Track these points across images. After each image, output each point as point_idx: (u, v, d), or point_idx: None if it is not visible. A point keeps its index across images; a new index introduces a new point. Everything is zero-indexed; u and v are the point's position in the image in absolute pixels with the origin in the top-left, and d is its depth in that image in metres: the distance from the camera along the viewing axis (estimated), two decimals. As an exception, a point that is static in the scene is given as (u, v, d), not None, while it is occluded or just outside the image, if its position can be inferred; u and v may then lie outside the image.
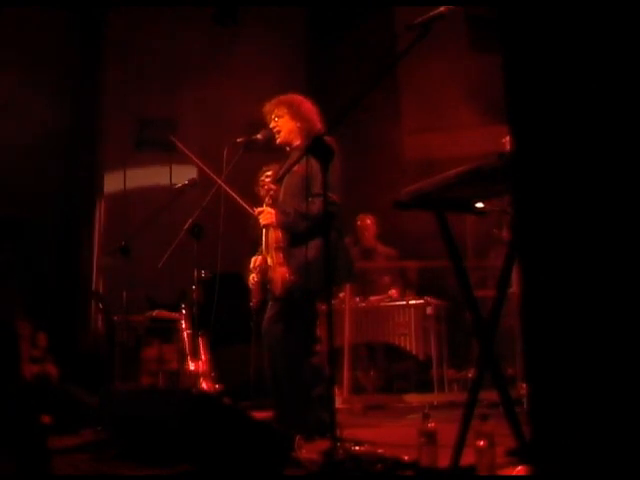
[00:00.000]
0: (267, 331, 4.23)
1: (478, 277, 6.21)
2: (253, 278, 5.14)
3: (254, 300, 5.35)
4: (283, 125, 4.28)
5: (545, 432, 1.30)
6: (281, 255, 4.24)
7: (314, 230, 4.03)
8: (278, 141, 4.34)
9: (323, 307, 4.01)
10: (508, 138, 2.59)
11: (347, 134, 4.77)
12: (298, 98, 4.38)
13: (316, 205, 4.01)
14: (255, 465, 3.23)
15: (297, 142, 4.29)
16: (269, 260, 4.27)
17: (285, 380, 4.14)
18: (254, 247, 5.26)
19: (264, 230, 4.39)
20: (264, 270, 4.31)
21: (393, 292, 6.74)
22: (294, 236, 4.23)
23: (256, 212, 4.39)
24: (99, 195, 8.26)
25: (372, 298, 6.61)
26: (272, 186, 4.48)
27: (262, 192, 4.84)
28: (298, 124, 4.26)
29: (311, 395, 4.09)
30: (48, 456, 3.24)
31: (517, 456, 2.68)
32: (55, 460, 3.83)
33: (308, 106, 4.33)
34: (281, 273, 4.18)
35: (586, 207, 1.25)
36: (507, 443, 2.80)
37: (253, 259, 5.19)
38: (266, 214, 4.28)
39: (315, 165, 3.77)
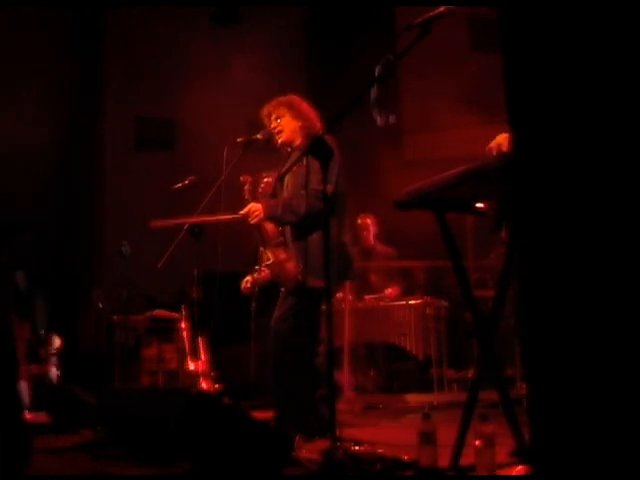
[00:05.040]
0: (275, 330, 4.20)
1: (478, 277, 6.21)
2: (247, 282, 5.10)
3: (254, 304, 5.30)
4: (285, 125, 4.29)
5: (545, 432, 1.30)
6: (283, 251, 4.21)
7: (314, 225, 3.99)
8: (280, 141, 4.33)
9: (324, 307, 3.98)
10: (503, 135, 2.59)
11: (347, 134, 4.77)
12: (297, 98, 4.39)
13: (308, 199, 3.97)
14: (255, 465, 3.23)
15: (298, 141, 4.30)
16: (271, 256, 4.23)
17: (288, 380, 4.13)
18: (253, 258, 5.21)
19: (258, 229, 4.34)
20: (271, 267, 4.27)
21: (390, 291, 6.74)
22: (295, 231, 4.20)
23: (242, 213, 4.29)
24: (99, 195, 8.26)
25: (367, 297, 6.61)
26: (248, 178, 4.42)
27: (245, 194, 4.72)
28: (299, 123, 4.27)
29: (313, 395, 4.08)
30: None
31: (520, 456, 2.68)
32: (55, 460, 3.84)
33: (306, 106, 4.35)
34: (290, 268, 4.14)
35: (586, 207, 1.25)
36: (507, 443, 2.80)
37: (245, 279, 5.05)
38: (253, 212, 4.21)
39: (315, 163, 3.76)
